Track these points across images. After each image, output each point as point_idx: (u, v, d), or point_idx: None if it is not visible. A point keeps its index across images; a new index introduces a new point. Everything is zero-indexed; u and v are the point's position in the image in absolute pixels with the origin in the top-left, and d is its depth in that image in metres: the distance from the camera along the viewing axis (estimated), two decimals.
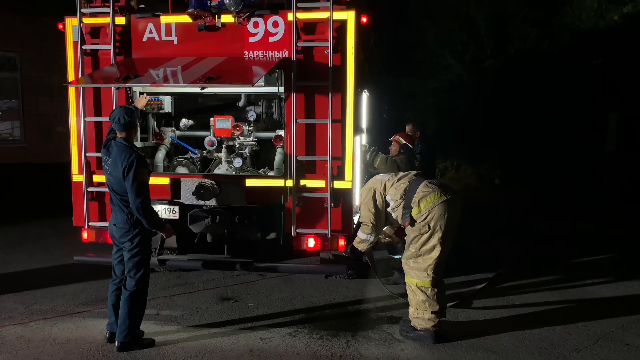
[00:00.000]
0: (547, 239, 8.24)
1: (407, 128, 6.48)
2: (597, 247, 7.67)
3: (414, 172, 4.43)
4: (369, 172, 6.02)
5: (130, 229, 3.99)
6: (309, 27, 4.89)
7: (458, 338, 4.30)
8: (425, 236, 4.13)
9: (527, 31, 13.85)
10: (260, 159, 6.06)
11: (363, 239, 4.43)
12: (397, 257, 5.69)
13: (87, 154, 5.25)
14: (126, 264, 4.04)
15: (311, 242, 5.05)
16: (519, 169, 13.86)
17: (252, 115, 5.79)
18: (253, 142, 5.74)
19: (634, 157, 11.61)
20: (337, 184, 4.97)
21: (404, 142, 5.71)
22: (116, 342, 3.99)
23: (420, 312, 4.20)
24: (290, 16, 4.85)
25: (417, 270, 4.18)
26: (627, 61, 11.77)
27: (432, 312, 4.16)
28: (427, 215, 4.11)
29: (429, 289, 4.14)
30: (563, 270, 6.43)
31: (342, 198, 5.00)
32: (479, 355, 4.02)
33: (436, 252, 4.12)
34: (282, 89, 5.13)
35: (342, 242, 5.01)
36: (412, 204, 4.16)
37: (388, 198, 4.30)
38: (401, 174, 4.43)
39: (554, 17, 13.25)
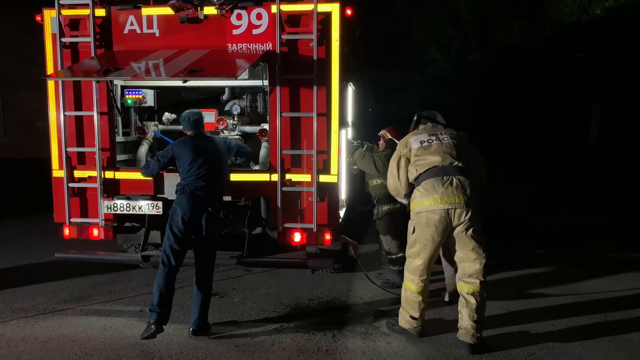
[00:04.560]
0: (530, 232, 8.32)
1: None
2: (579, 238, 7.76)
3: (438, 159, 3.96)
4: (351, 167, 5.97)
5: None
6: (293, 20, 4.84)
7: (444, 332, 4.31)
8: (412, 237, 4.04)
9: (511, 25, 13.92)
10: None
11: (404, 203, 4.33)
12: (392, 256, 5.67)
13: (67, 149, 5.14)
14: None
15: (297, 237, 5.01)
16: (504, 162, 13.97)
17: (236, 109, 5.73)
18: (237, 136, 5.68)
19: (615, 149, 11.78)
20: (323, 178, 4.94)
21: (389, 137, 5.55)
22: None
23: (404, 311, 4.18)
24: (274, 8, 4.79)
25: (408, 272, 4.11)
26: (609, 55, 11.90)
27: (411, 317, 4.11)
28: (415, 219, 3.99)
29: (414, 294, 4.07)
30: (547, 262, 6.49)
31: (328, 192, 4.97)
32: (464, 349, 4.02)
33: (419, 261, 4.01)
34: (266, 82, 5.07)
35: (328, 237, 4.97)
36: (413, 192, 4.03)
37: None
38: (427, 149, 4.04)
39: (537, 11, 13.34)
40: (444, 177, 3.87)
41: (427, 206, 3.89)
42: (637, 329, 4.41)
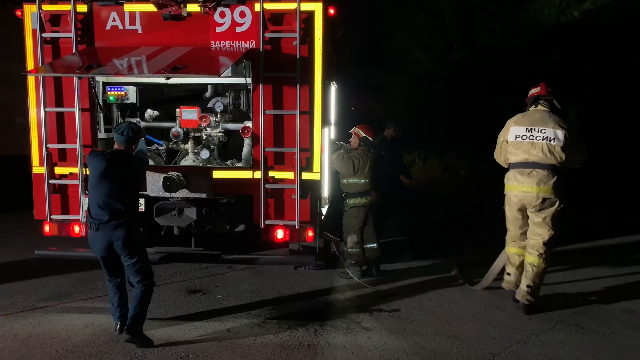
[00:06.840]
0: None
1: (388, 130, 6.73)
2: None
3: (525, 157, 4.68)
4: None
5: None
6: (277, 18, 4.87)
7: (424, 326, 4.41)
8: (505, 213, 5.06)
9: (492, 25, 14.12)
10: (228, 150, 6.02)
11: None
12: (371, 245, 5.75)
13: (48, 146, 5.10)
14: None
15: (280, 234, 5.05)
16: (484, 161, 14.14)
17: (219, 106, 5.74)
18: (220, 134, 5.69)
19: (592, 149, 12.02)
20: (306, 176, 4.99)
21: (363, 134, 5.72)
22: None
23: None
24: (257, 6, 4.82)
25: (507, 238, 5.15)
26: (587, 56, 12.15)
27: (506, 273, 5.15)
28: (505, 198, 4.93)
29: (508, 253, 5.14)
30: None
31: (311, 189, 5.02)
32: (443, 342, 4.12)
33: (510, 230, 5.06)
34: (249, 80, 5.10)
35: (310, 233, 5.03)
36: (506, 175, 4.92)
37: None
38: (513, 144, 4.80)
39: (518, 11, 13.55)
40: (526, 169, 4.68)
41: (509, 190, 4.83)
42: (606, 321, 4.56)
